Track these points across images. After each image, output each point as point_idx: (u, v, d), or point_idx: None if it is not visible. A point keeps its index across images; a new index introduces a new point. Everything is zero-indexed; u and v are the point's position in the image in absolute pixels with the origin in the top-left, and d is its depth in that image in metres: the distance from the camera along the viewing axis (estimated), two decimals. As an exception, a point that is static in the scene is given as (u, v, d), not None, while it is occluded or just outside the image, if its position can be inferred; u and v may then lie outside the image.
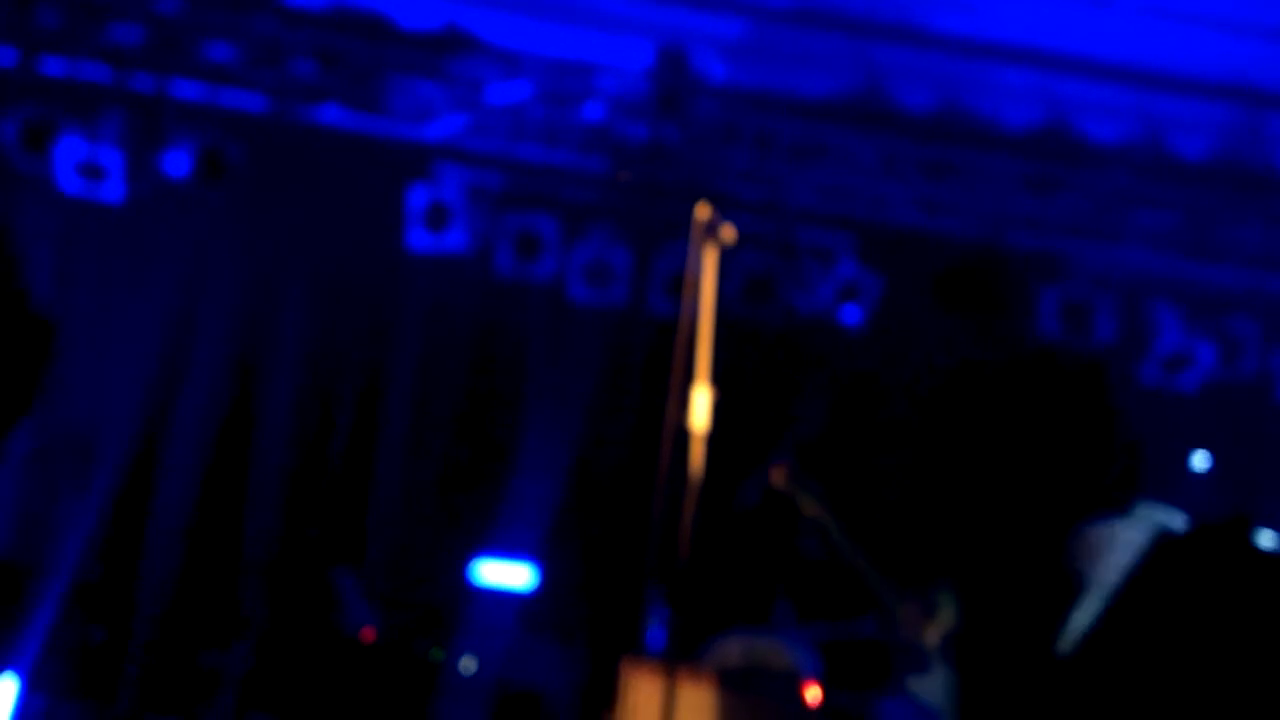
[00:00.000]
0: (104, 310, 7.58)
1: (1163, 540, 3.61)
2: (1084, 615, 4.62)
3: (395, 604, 7.11)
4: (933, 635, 6.48)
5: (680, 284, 7.62)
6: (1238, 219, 7.99)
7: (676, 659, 4.99)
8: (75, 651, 6.62)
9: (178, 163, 7.37)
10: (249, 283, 7.75)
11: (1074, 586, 5.35)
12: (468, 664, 6.50)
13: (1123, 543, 6.19)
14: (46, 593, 6.67)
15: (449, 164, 7.68)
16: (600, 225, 7.82)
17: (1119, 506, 5.05)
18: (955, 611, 6.56)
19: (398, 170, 7.56)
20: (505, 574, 7.20)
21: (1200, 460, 7.22)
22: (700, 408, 4.53)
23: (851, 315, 7.83)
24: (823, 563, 6.49)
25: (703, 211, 4.59)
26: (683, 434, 4.54)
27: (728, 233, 4.77)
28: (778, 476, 6.35)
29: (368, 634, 6.38)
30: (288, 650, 6.26)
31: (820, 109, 7.74)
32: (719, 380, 5.61)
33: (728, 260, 6.88)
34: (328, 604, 6.39)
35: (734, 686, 5.49)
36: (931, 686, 6.43)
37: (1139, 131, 7.76)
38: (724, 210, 4.80)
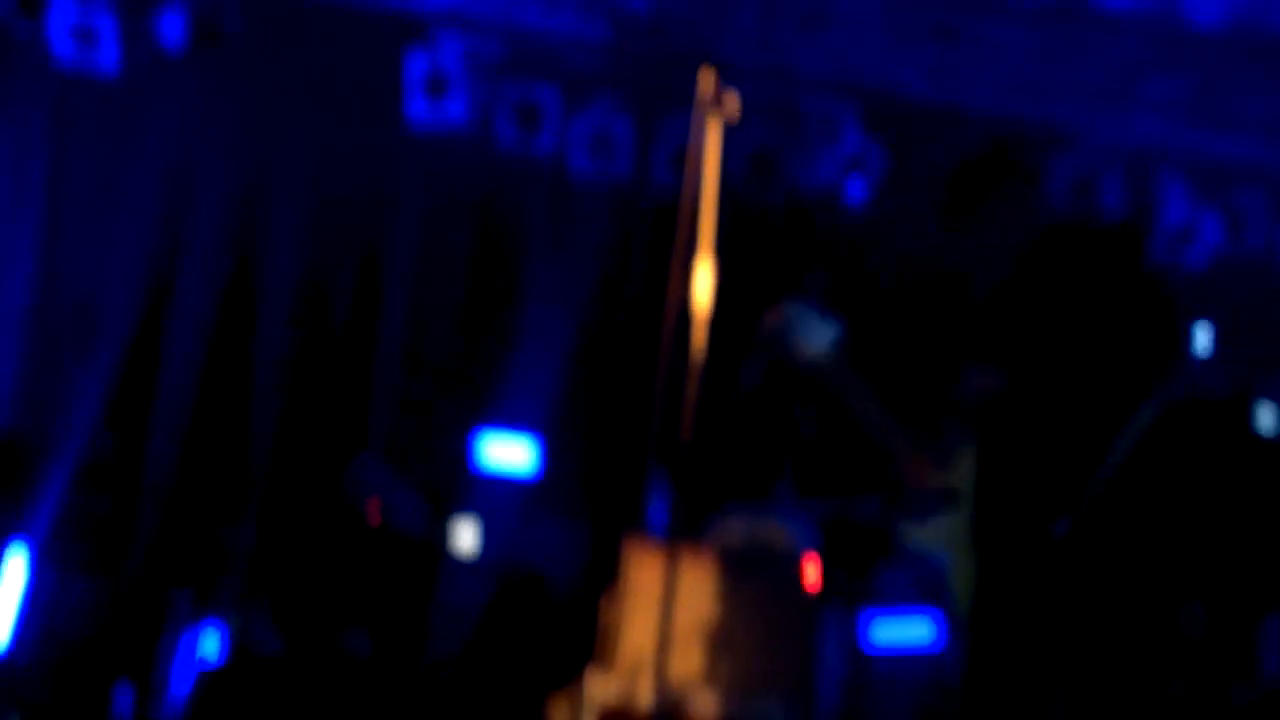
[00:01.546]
0: (101, 182, 7.52)
1: (1164, 415, 3.62)
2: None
3: (400, 479, 7.18)
4: (942, 482, 6.44)
5: (684, 156, 7.57)
6: (1249, 87, 7.90)
7: (678, 538, 5.05)
8: (84, 524, 6.69)
9: (172, 29, 7.26)
10: (246, 153, 7.68)
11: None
12: (464, 537, 6.59)
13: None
14: (53, 466, 6.73)
15: (448, 31, 7.54)
16: (602, 95, 7.72)
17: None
18: (971, 459, 6.54)
19: (396, 38, 7.43)
20: (507, 450, 7.26)
21: (1203, 337, 7.21)
22: (703, 285, 4.50)
23: (855, 189, 7.77)
24: (822, 435, 6.46)
25: (706, 79, 4.49)
26: (685, 312, 4.53)
27: (731, 104, 4.67)
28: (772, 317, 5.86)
29: (373, 517, 6.46)
30: (294, 528, 6.36)
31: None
32: (722, 258, 5.57)
33: (731, 134, 6.80)
34: (336, 487, 6.46)
35: (735, 567, 5.57)
36: (936, 534, 6.47)
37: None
38: (728, 78, 4.72)
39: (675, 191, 7.53)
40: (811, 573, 5.95)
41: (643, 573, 5.52)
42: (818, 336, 5.25)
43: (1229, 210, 7.85)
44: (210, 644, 6.22)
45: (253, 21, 7.28)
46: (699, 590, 5.57)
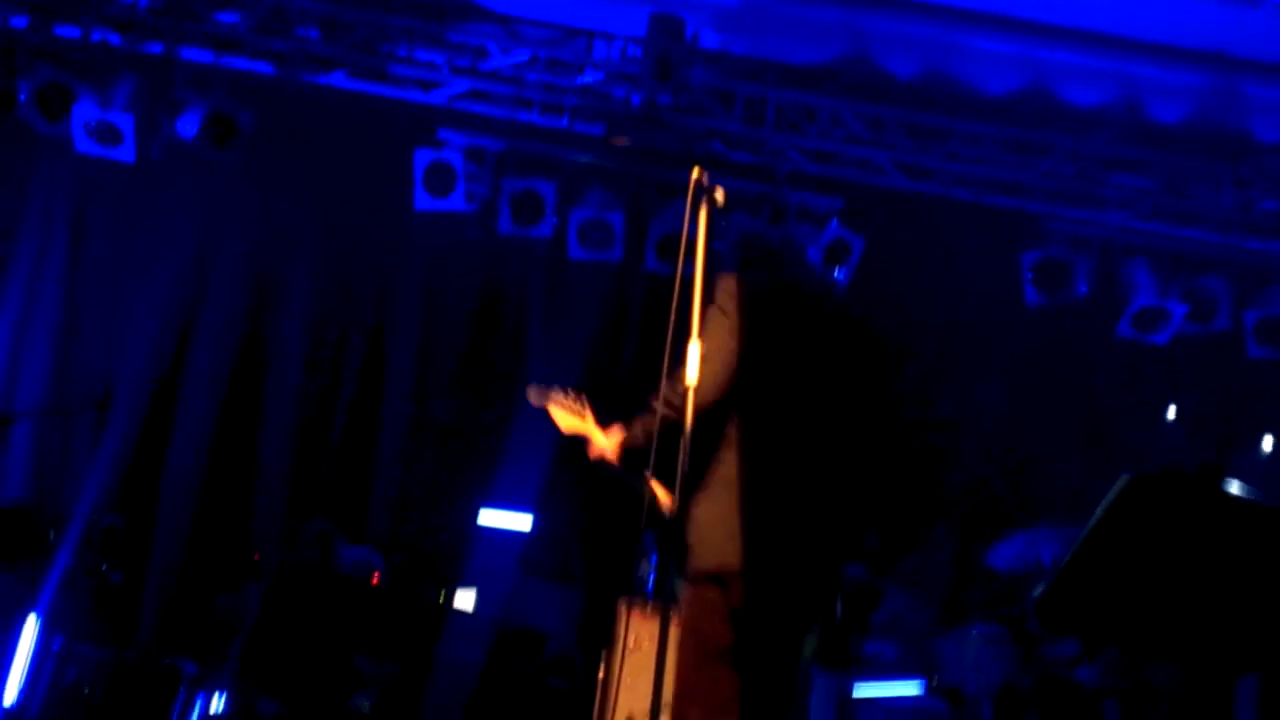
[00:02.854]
0: (120, 265, 7.79)
1: (1132, 484, 3.75)
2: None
3: (399, 548, 7.36)
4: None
5: (674, 244, 7.87)
6: (1212, 182, 8.20)
7: (669, 600, 5.22)
8: (93, 594, 6.83)
9: (188, 125, 7.56)
10: (259, 239, 7.97)
11: None
12: (464, 599, 6.72)
13: None
14: (65, 537, 6.89)
15: (452, 128, 7.88)
16: (597, 187, 8.04)
17: None
18: None
19: (403, 133, 7.76)
20: (506, 522, 7.45)
21: (1171, 412, 7.48)
22: (694, 362, 4.64)
23: (837, 275, 8.03)
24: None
25: (696, 175, 4.69)
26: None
27: (719, 195, 4.88)
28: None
29: (374, 577, 6.62)
30: (297, 593, 6.49)
31: (810, 76, 7.94)
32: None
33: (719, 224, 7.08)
34: (317, 544, 6.60)
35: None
36: None
37: (1117, 97, 7.94)
38: (716, 174, 4.92)
39: (666, 275, 7.89)
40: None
41: (635, 631, 5.71)
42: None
43: (1195, 296, 8.08)
44: (216, 707, 6.36)
45: (265, 117, 7.57)
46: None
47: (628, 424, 4.41)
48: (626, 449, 4.40)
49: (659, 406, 4.17)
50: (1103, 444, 8.20)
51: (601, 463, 4.52)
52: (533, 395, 4.86)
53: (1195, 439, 7.71)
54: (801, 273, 4.82)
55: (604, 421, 4.55)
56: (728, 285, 4.35)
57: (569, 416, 4.70)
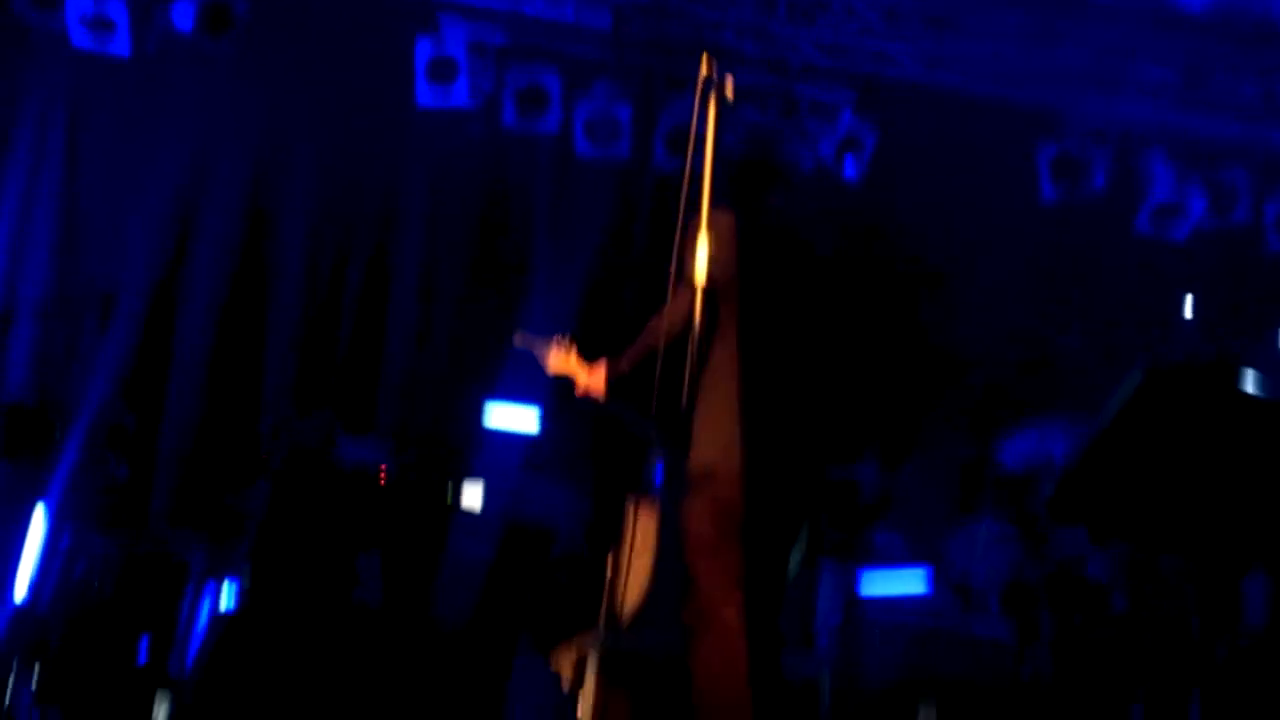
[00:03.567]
0: (118, 163, 7.69)
1: (1147, 378, 3.69)
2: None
3: (407, 444, 7.34)
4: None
5: (683, 138, 7.76)
6: (1234, 71, 8.03)
7: (677, 496, 5.20)
8: (101, 489, 6.84)
9: (183, 16, 7.41)
10: (259, 134, 7.86)
11: None
12: (471, 495, 6.73)
13: None
14: (71, 433, 6.88)
15: (453, 18, 7.71)
16: (603, 80, 7.89)
17: None
18: None
19: (403, 24, 7.60)
20: (513, 417, 7.42)
21: (1187, 307, 7.37)
22: (702, 260, 4.58)
23: (850, 169, 7.92)
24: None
25: (705, 66, 4.59)
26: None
27: (729, 88, 4.77)
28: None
29: (380, 472, 6.61)
30: (303, 489, 6.49)
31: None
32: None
33: (729, 118, 6.93)
34: (329, 439, 6.59)
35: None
36: None
37: (1140, -17, 7.76)
38: (726, 65, 4.80)
39: (674, 170, 7.78)
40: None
41: (644, 528, 5.69)
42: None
43: (1215, 188, 7.96)
44: (225, 600, 6.39)
45: (262, 7, 7.42)
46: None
47: (613, 358, 4.43)
48: (612, 381, 4.43)
49: (663, 318, 4.18)
50: (1118, 340, 8.12)
51: (588, 400, 4.53)
52: (519, 340, 4.86)
53: (1211, 334, 7.63)
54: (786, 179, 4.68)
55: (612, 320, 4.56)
56: (721, 224, 4.27)
57: (556, 358, 4.69)
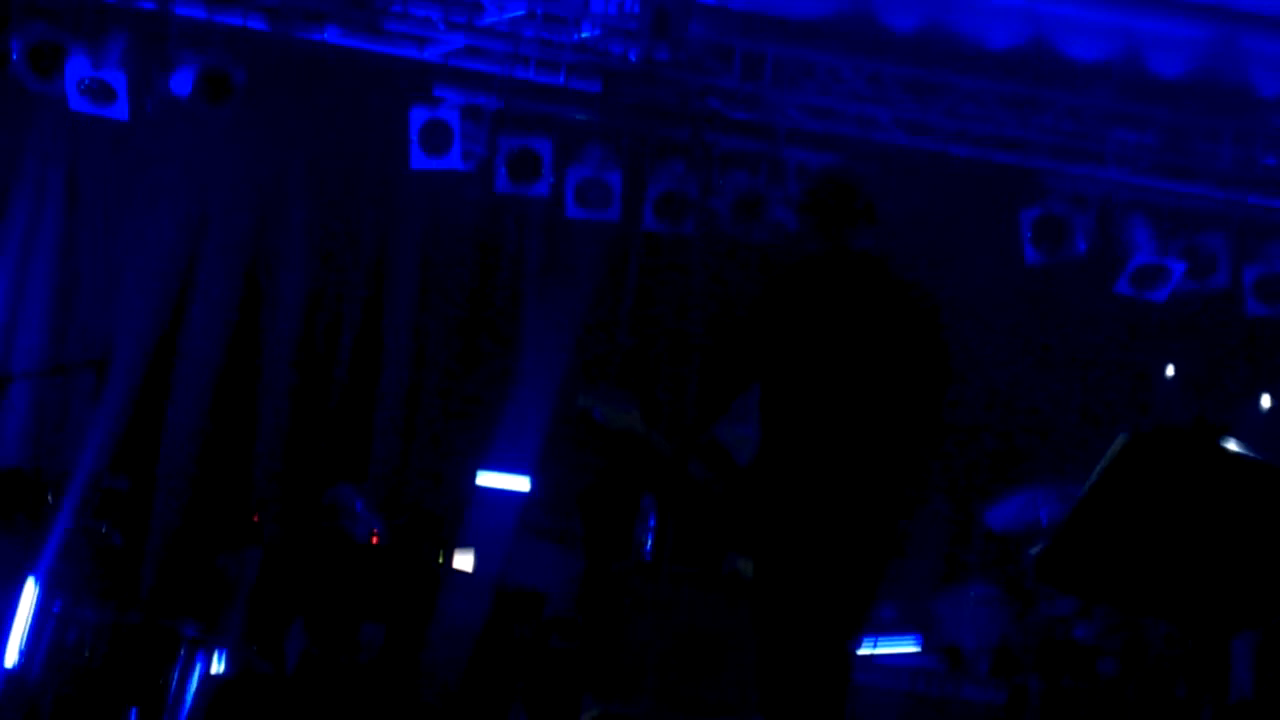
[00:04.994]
0: (115, 223, 7.75)
1: (1131, 443, 3.75)
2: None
3: (399, 509, 7.38)
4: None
5: (672, 203, 7.87)
6: (1212, 137, 8.17)
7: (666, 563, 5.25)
8: (94, 556, 6.83)
9: (182, 82, 7.49)
10: (255, 197, 7.93)
11: None
12: (463, 560, 6.76)
13: None
14: (65, 499, 6.88)
15: (447, 85, 7.83)
16: (594, 145, 7.99)
17: None
18: None
19: (398, 90, 7.70)
20: (504, 483, 7.47)
21: (1169, 369, 7.48)
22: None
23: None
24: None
25: (694, 130, 4.64)
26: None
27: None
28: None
29: (374, 538, 6.64)
30: (298, 555, 6.51)
31: (808, 31, 7.88)
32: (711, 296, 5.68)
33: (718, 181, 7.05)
34: (333, 513, 6.62)
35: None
36: None
37: (1118, 50, 7.89)
38: (714, 130, 4.86)
39: (664, 232, 7.88)
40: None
41: (635, 594, 5.75)
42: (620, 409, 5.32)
43: (1194, 253, 8.07)
44: (216, 669, 6.39)
45: (260, 74, 7.50)
46: (688, 609, 5.80)
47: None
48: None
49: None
50: (1101, 403, 8.21)
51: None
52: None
53: (1193, 398, 7.72)
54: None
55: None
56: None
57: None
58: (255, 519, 7.07)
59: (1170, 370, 7.58)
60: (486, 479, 7.48)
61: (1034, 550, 4.75)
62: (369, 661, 5.93)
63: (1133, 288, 8.05)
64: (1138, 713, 6.17)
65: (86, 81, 7.35)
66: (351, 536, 6.59)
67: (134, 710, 6.18)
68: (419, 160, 7.70)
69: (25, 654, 6.30)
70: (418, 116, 7.69)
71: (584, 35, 7.86)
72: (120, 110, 7.41)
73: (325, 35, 7.64)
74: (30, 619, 6.50)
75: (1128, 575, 4.08)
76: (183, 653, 6.44)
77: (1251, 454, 3.62)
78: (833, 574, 4.07)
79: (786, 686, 4.07)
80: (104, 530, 6.85)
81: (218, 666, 6.50)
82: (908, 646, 6.53)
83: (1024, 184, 8.17)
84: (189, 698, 6.34)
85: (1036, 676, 6.29)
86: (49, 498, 6.76)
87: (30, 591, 6.51)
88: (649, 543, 6.10)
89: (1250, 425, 7.57)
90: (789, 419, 4.12)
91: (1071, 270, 8.07)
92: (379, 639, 5.96)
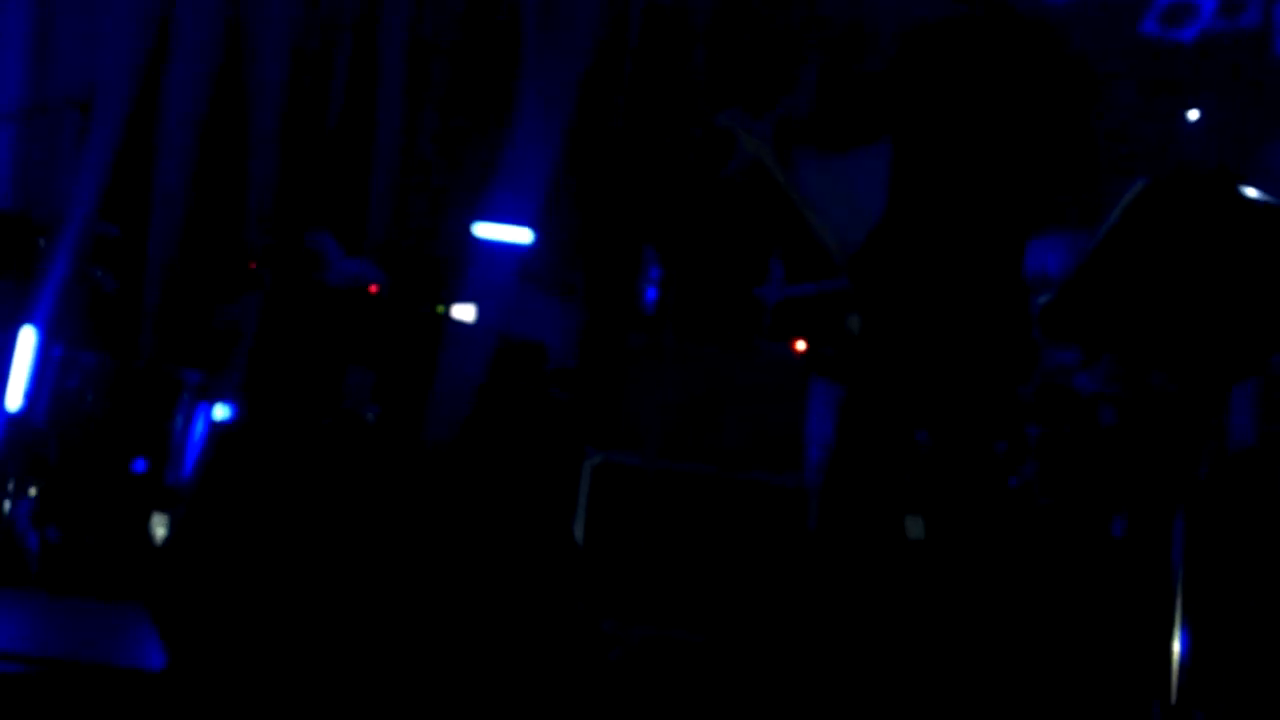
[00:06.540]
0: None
1: (1148, 189, 3.67)
2: None
3: (397, 259, 7.28)
4: None
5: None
6: None
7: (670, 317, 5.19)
8: (89, 302, 6.78)
9: None
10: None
11: None
12: (463, 312, 6.72)
13: None
14: (57, 245, 6.79)
15: None
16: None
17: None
18: None
19: None
20: (505, 235, 7.36)
21: (1193, 112, 7.26)
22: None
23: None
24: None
25: None
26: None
27: None
28: None
29: (372, 288, 6.57)
30: (295, 304, 6.44)
31: None
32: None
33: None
34: (314, 260, 6.53)
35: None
36: None
37: None
38: None
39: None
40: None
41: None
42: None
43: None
44: (220, 417, 6.41)
45: None
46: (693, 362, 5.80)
47: None
48: None
49: None
50: (1122, 146, 8.00)
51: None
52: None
53: (1216, 142, 7.53)
54: None
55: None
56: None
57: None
58: (252, 266, 6.98)
59: (1194, 114, 7.34)
60: (486, 230, 7.35)
61: (1041, 300, 4.70)
62: (375, 414, 5.96)
63: (1160, 26, 7.79)
64: (1136, 463, 6.20)
65: None
66: (325, 282, 6.51)
67: (140, 459, 6.23)
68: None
69: (28, 399, 6.30)
70: None
71: None
72: None
73: None
74: (30, 365, 6.49)
75: (1136, 324, 4.05)
76: (185, 400, 6.46)
77: (1271, 201, 3.59)
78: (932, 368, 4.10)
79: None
80: (98, 275, 6.78)
81: (222, 413, 6.52)
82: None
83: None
84: (195, 442, 6.38)
85: (1037, 425, 6.31)
86: (39, 243, 6.66)
87: (28, 337, 6.48)
88: (650, 294, 6.04)
89: (1272, 171, 7.40)
90: (917, 197, 4.10)
91: (1096, 7, 7.77)
92: (367, 384, 5.95)
